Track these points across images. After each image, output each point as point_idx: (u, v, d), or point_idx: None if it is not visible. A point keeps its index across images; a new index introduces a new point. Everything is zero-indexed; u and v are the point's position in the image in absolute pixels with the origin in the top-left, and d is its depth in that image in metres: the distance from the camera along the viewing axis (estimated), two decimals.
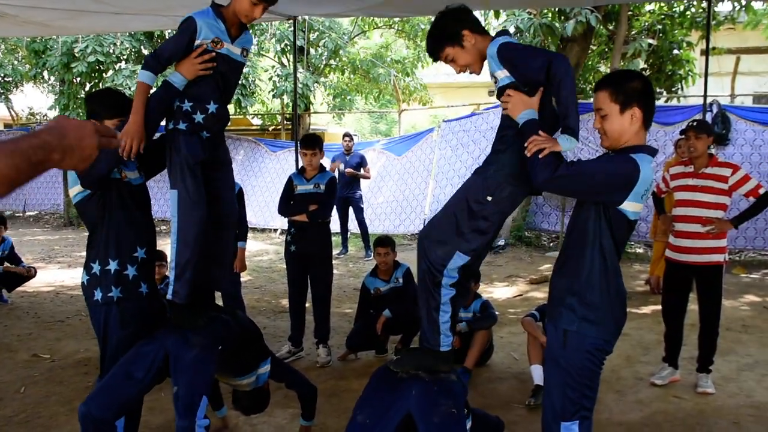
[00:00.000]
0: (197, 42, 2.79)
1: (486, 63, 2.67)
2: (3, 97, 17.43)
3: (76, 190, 2.88)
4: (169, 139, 2.87)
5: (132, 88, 12.69)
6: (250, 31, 3.06)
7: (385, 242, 5.19)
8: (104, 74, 13.56)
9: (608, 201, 2.33)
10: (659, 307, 4.74)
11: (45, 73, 14.77)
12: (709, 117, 8.77)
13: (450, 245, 2.61)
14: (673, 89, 10.59)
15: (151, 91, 2.85)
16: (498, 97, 2.59)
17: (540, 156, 2.32)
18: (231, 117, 3.07)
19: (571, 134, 2.35)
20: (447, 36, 2.63)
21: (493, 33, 2.65)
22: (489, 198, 2.56)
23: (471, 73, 2.74)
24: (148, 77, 2.77)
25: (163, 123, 2.94)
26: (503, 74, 2.53)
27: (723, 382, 4.53)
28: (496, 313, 4.95)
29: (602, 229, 2.35)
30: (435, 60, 2.79)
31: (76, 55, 12.97)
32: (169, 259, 2.95)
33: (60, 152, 1.20)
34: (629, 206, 2.32)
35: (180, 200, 2.84)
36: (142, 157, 2.90)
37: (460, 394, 2.74)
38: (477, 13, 15.42)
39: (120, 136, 2.68)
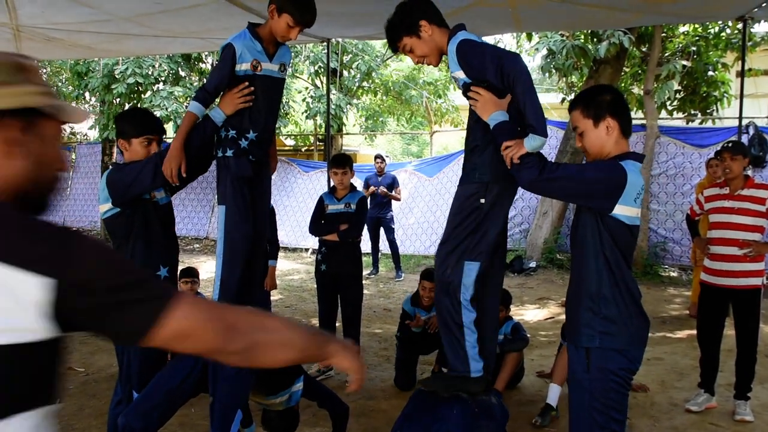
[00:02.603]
0: (238, 67, 2.91)
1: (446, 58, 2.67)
2: None
3: (106, 207, 2.99)
4: (219, 160, 3.00)
5: (169, 109, 13.03)
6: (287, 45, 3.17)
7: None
8: (143, 95, 13.94)
9: (599, 206, 2.32)
10: (694, 331, 4.65)
11: (86, 94, 15.22)
12: (745, 139, 8.64)
13: (456, 255, 2.61)
14: (708, 111, 10.44)
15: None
16: (464, 94, 2.59)
17: (514, 161, 2.32)
18: None
19: (533, 132, 2.32)
20: (404, 26, 2.64)
21: (458, 31, 2.61)
22: (482, 200, 2.58)
23: (428, 64, 2.76)
24: (196, 108, 2.92)
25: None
26: (460, 75, 2.55)
27: (762, 410, 4.41)
28: (527, 335, 4.91)
29: (603, 239, 2.33)
30: (394, 51, 2.80)
31: (117, 76, 13.37)
32: (214, 273, 3.04)
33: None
34: (622, 210, 2.30)
35: (228, 215, 2.96)
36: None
37: (501, 417, 2.72)
38: (509, 36, 15.31)
39: (165, 162, 2.86)
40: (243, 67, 2.92)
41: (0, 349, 0.99)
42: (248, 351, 1.20)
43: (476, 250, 2.60)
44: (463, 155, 2.86)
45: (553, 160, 10.81)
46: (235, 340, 1.17)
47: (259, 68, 2.95)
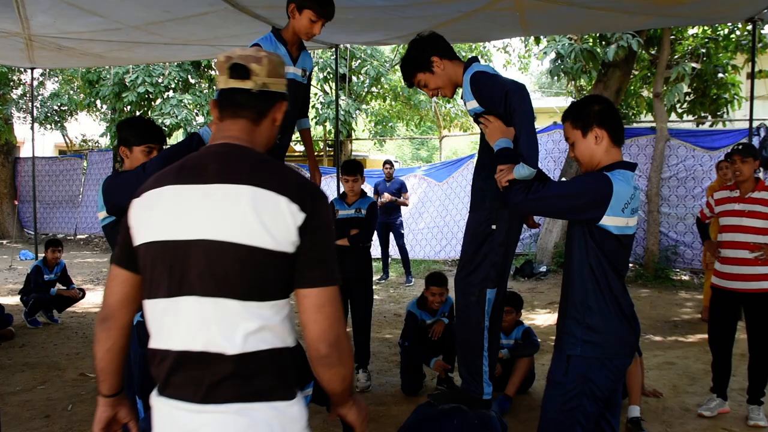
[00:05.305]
0: None
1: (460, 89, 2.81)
2: (59, 125, 18.12)
3: (102, 214, 3.02)
4: None
5: (179, 117, 13.10)
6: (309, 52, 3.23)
7: (442, 281, 4.95)
8: (153, 103, 14.04)
9: (587, 218, 2.35)
10: (706, 335, 4.61)
11: (98, 102, 15.34)
12: (756, 141, 8.58)
13: (477, 283, 2.72)
14: (719, 113, 10.38)
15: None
16: (475, 121, 2.72)
17: (503, 184, 2.45)
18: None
19: (524, 161, 2.43)
20: (417, 63, 2.78)
21: (472, 63, 2.75)
22: (494, 227, 2.69)
23: (443, 96, 2.88)
24: None
25: None
26: (473, 104, 2.68)
27: None
28: (538, 340, 4.89)
29: (588, 248, 2.36)
30: (410, 86, 2.93)
31: (127, 84, 13.47)
32: None
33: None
34: (610, 221, 2.32)
35: None
36: None
37: (500, 429, 2.75)
38: (517, 40, 15.32)
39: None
40: None
41: (281, 255, 1.47)
42: (327, 363, 1.54)
43: (495, 277, 2.72)
44: (471, 159, 2.94)
45: (562, 163, 10.73)
46: (332, 347, 1.52)
47: None
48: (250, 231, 1.45)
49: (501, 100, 2.55)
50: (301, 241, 1.48)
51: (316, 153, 18.85)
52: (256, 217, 1.45)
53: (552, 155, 10.88)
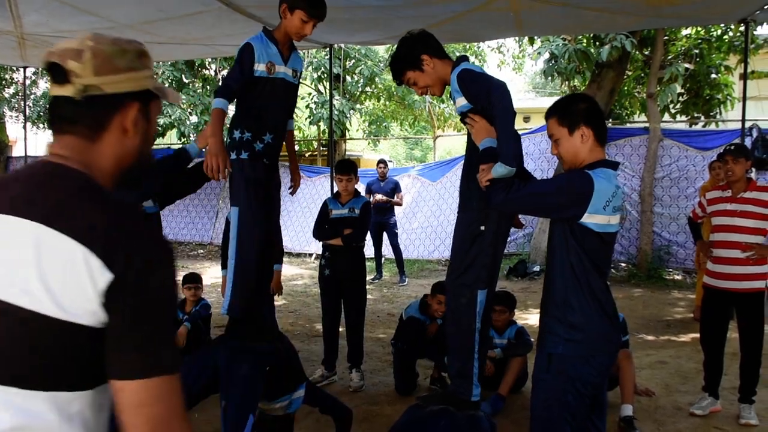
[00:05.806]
0: (255, 66, 3.01)
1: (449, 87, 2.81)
2: None
3: None
4: (233, 162, 3.06)
5: (172, 117, 13.07)
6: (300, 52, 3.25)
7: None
8: None
9: (568, 216, 2.36)
10: (698, 335, 4.64)
11: None
12: (748, 141, 8.63)
13: (468, 285, 2.71)
14: (712, 114, 10.42)
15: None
16: (462, 121, 2.73)
17: (483, 183, 2.45)
18: None
19: (503, 160, 2.42)
20: (407, 61, 2.78)
21: (461, 62, 2.76)
22: (482, 228, 2.68)
23: (432, 95, 2.90)
24: (221, 104, 3.00)
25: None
26: (462, 102, 2.68)
27: (767, 413, 4.39)
28: (531, 340, 4.90)
29: (569, 246, 2.36)
30: (399, 84, 2.94)
31: None
32: (228, 273, 3.08)
33: None
34: (591, 219, 2.32)
35: (241, 217, 3.02)
36: (163, 186, 3.09)
37: (488, 429, 2.77)
38: (512, 40, 15.33)
39: (206, 155, 2.90)
40: (259, 68, 3.02)
41: (72, 328, 1.03)
42: None
43: (485, 278, 2.71)
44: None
45: (556, 163, 10.74)
46: None
47: (273, 71, 3.04)
48: (24, 287, 1.02)
49: (485, 97, 2.56)
50: (109, 313, 1.04)
51: (310, 153, 18.77)
52: (37, 270, 1.02)
53: (545, 155, 10.90)
